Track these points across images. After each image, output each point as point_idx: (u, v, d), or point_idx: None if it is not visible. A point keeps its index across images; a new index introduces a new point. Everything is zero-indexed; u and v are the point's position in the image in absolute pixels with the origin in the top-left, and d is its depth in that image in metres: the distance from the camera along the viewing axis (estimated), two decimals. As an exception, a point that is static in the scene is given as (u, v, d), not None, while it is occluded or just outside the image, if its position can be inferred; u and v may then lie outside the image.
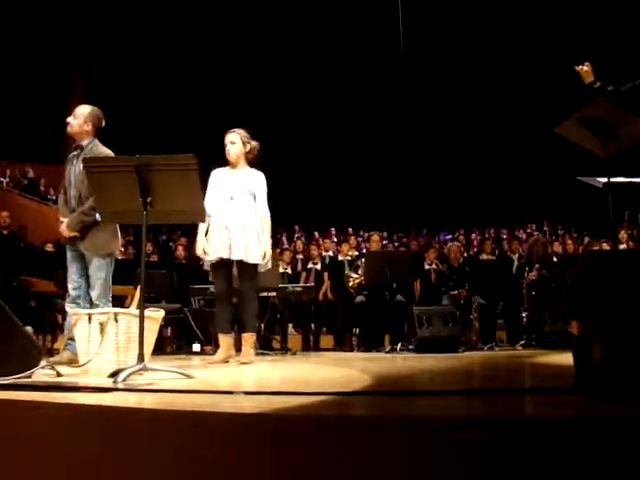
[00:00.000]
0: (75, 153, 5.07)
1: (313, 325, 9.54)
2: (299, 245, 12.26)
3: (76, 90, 18.13)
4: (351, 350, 8.35)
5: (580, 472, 1.62)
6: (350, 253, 10.35)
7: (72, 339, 4.54)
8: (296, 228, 17.46)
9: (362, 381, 3.47)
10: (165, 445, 1.95)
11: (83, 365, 3.98)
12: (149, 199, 3.59)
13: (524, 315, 8.43)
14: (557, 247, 11.97)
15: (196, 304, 8.75)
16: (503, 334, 9.09)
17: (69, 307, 4.91)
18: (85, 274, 4.97)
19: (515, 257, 10.55)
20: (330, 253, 10.84)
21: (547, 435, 1.69)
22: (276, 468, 1.82)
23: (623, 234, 9.59)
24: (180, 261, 9.84)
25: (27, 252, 8.53)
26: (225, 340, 5.42)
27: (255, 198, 5.46)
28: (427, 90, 18.75)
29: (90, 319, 4.04)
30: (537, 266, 8.44)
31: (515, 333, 8.48)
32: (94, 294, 4.86)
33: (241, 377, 4.15)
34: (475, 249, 13.49)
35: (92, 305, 4.80)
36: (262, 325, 8.05)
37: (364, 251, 10.75)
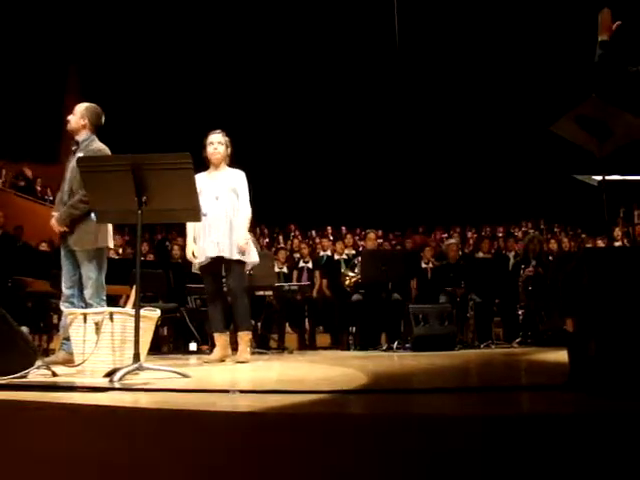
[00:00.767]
0: (73, 149, 5.14)
1: (309, 324, 9.54)
2: (296, 244, 12.26)
3: (71, 89, 18.11)
4: (348, 349, 8.35)
5: (575, 468, 1.63)
6: (347, 252, 10.35)
7: (67, 339, 4.54)
8: (292, 227, 17.45)
9: (359, 379, 3.47)
10: (161, 444, 1.95)
11: (79, 365, 3.97)
12: (144, 198, 3.59)
13: (520, 313, 8.44)
14: (553, 245, 11.98)
15: (192, 303, 8.75)
16: (499, 331, 9.09)
17: (64, 307, 4.91)
18: (78, 273, 4.98)
19: (511, 255, 10.57)
20: (328, 252, 10.83)
21: (543, 432, 1.69)
22: (272, 466, 1.82)
23: (618, 232, 9.62)
24: (176, 261, 9.83)
25: (23, 252, 8.52)
26: (221, 339, 5.44)
27: (238, 197, 5.51)
28: (423, 89, 18.72)
29: (85, 319, 4.04)
30: (533, 262, 8.45)
31: (511, 331, 8.48)
32: (87, 294, 4.86)
33: (237, 376, 4.15)
34: (471, 247, 13.48)
35: (87, 305, 4.80)
36: (259, 324, 8.06)
37: (360, 249, 10.75)
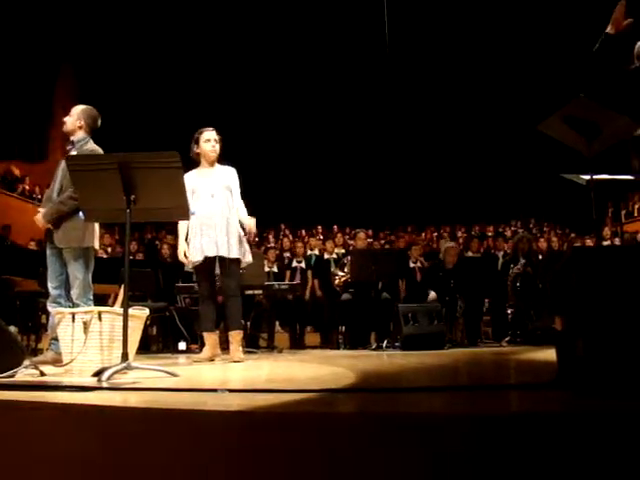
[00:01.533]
0: (68, 148, 5.18)
1: (299, 323, 9.54)
2: (286, 243, 12.24)
3: (61, 88, 18.03)
4: (337, 348, 8.36)
5: (563, 466, 1.63)
6: (336, 251, 10.36)
7: (56, 339, 4.52)
8: (282, 226, 17.44)
9: (348, 378, 3.47)
10: (150, 443, 1.94)
11: (67, 364, 3.95)
12: (132, 197, 3.59)
13: (509, 312, 8.47)
14: (542, 244, 12.03)
15: (182, 302, 8.74)
16: (489, 330, 9.12)
17: (51, 307, 4.89)
18: (65, 273, 4.97)
19: (500, 254, 10.60)
20: (316, 251, 10.82)
21: (530, 430, 1.70)
22: (261, 466, 1.82)
23: (607, 231, 9.67)
24: (165, 260, 9.81)
25: (11, 251, 8.48)
26: (211, 338, 5.43)
27: (232, 194, 5.50)
28: (413, 88, 18.77)
29: (74, 318, 4.03)
30: (523, 261, 8.47)
31: (500, 329, 8.51)
32: (74, 293, 4.85)
33: (226, 375, 4.14)
34: (461, 247, 13.50)
35: (74, 305, 4.78)
36: (248, 323, 8.05)
37: (350, 249, 10.75)
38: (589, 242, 11.97)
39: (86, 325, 3.96)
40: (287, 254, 11.32)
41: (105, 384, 3.13)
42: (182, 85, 18.68)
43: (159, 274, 8.86)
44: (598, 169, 4.61)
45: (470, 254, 10.99)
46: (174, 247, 10.53)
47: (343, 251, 10.35)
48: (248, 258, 5.56)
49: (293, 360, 5.99)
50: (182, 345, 8.22)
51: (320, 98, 19.19)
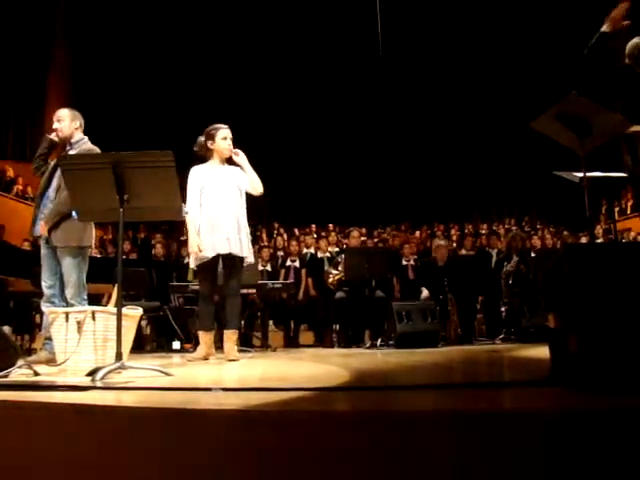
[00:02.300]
0: (67, 149, 5.18)
1: (293, 322, 9.55)
2: (279, 242, 12.24)
3: (52, 88, 17.95)
4: (331, 346, 8.37)
5: (556, 463, 1.64)
6: (330, 249, 10.36)
7: (49, 338, 4.52)
8: (275, 225, 17.43)
9: (342, 377, 3.47)
10: (144, 443, 1.94)
11: (61, 364, 3.95)
12: (126, 196, 3.58)
13: (503, 309, 8.49)
14: (536, 241, 12.06)
15: (176, 302, 8.73)
16: (483, 328, 9.14)
17: (45, 306, 4.89)
18: (59, 273, 4.96)
19: (494, 252, 10.62)
20: (311, 250, 10.82)
21: (524, 427, 1.70)
22: (255, 464, 1.82)
23: (599, 229, 9.68)
24: (159, 259, 9.80)
25: (4, 251, 8.45)
26: (207, 337, 5.41)
27: (241, 193, 5.49)
28: (406, 85, 18.77)
29: (67, 318, 4.02)
30: (516, 259, 8.50)
31: (494, 327, 8.53)
32: (68, 293, 4.85)
33: (220, 374, 4.14)
34: (454, 245, 13.53)
35: (68, 304, 4.78)
36: (242, 322, 8.05)
37: (344, 247, 10.76)
38: (583, 239, 12.01)
39: (80, 325, 3.96)
40: (281, 253, 11.32)
41: (99, 383, 3.13)
42: (179, 83, 18.62)
43: (153, 273, 8.85)
44: (591, 167, 4.62)
45: (464, 252, 11.02)
46: (167, 246, 10.55)
47: (337, 250, 10.35)
48: (251, 258, 5.56)
49: (287, 359, 5.98)
50: (176, 344, 8.22)
51: (314, 98, 19.17)
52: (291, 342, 9.33)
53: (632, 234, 12.34)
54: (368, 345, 7.75)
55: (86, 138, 5.17)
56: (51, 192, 5.07)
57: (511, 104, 17.24)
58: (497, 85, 18.46)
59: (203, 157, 5.57)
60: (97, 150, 5.01)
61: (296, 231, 16.20)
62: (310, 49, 19.07)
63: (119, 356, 3.48)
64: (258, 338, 8.80)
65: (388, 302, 7.90)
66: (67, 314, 4.06)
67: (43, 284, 5.01)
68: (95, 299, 6.20)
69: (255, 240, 14.35)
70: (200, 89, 18.53)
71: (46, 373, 3.90)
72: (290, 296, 9.27)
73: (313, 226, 16.52)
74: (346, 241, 11.24)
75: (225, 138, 5.47)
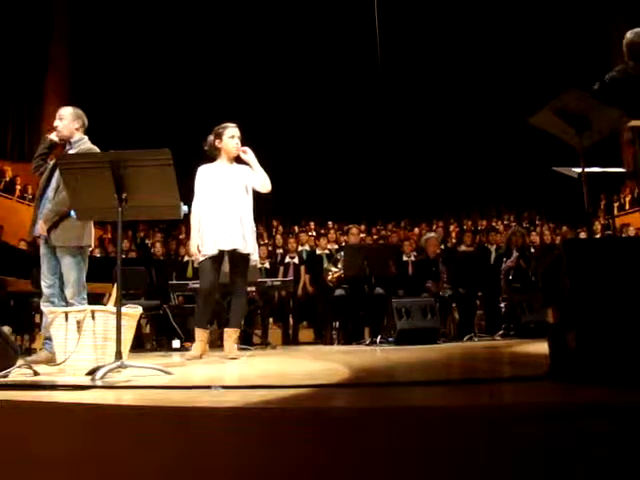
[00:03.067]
0: (66, 148, 5.19)
1: (292, 319, 9.55)
2: (278, 239, 12.24)
3: (50, 87, 17.92)
4: (331, 343, 8.36)
5: (555, 457, 1.64)
6: (329, 247, 10.37)
7: (49, 338, 4.53)
8: (274, 223, 17.42)
9: (342, 374, 3.47)
10: (144, 441, 1.94)
11: (60, 364, 3.95)
12: (124, 195, 3.58)
13: (502, 305, 8.49)
14: (535, 237, 12.06)
15: (175, 300, 8.74)
16: (482, 324, 9.15)
17: (44, 306, 4.89)
18: (58, 272, 4.96)
19: (493, 248, 10.63)
20: (307, 247, 10.81)
21: (522, 421, 1.71)
22: (255, 461, 1.82)
23: (597, 224, 9.68)
24: (158, 258, 9.80)
25: (3, 251, 8.45)
26: (204, 335, 5.40)
27: (248, 192, 5.49)
28: (405, 82, 18.75)
29: (67, 317, 4.03)
30: (516, 254, 8.50)
31: (494, 323, 8.54)
32: (68, 293, 4.85)
33: (220, 372, 4.14)
34: (454, 241, 13.54)
35: (67, 304, 4.78)
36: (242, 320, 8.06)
37: (343, 244, 10.76)
38: (582, 235, 12.02)
39: (79, 324, 3.96)
40: (279, 250, 11.33)
41: (99, 383, 3.13)
42: (179, 81, 18.58)
43: (152, 272, 8.85)
44: (590, 162, 4.62)
45: (463, 248, 11.02)
46: (166, 245, 10.55)
47: (336, 247, 10.36)
48: (256, 256, 5.55)
49: (286, 356, 5.98)
50: (176, 343, 8.22)
51: (312, 94, 19.14)
52: (291, 340, 9.34)
53: (631, 229, 12.33)
54: (368, 342, 7.74)
55: (86, 138, 5.15)
56: (50, 192, 5.07)
57: (509, 100, 17.22)
58: (495, 81, 18.45)
59: (213, 156, 5.58)
60: (96, 150, 5.00)
61: (296, 229, 16.20)
62: (308, 46, 19.04)
63: (119, 355, 3.48)
64: (258, 336, 8.80)
65: (387, 299, 7.90)
66: (66, 314, 4.06)
67: (42, 284, 5.01)
68: (96, 298, 6.20)
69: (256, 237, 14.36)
70: (200, 87, 18.49)
71: (46, 373, 3.90)
72: (289, 293, 9.27)
73: (312, 223, 16.51)
74: (345, 238, 11.24)
75: (233, 137, 5.47)
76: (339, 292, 8.30)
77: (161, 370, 3.57)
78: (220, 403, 2.16)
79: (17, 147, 17.41)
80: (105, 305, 4.83)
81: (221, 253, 5.31)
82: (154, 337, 8.91)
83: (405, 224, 16.57)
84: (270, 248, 10.89)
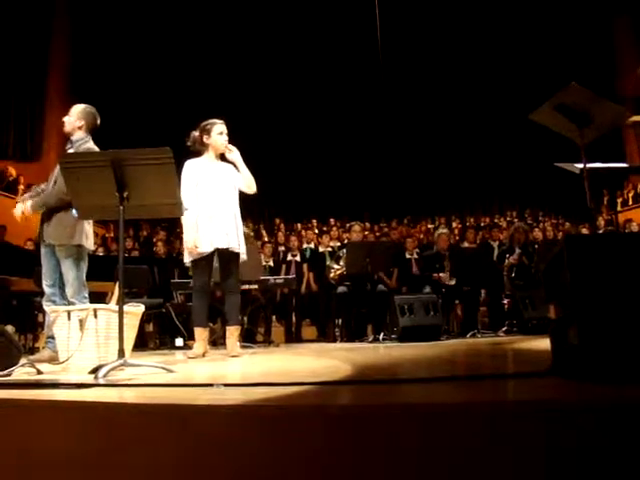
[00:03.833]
0: (67, 148, 5.17)
1: (295, 317, 9.55)
2: (280, 237, 12.25)
3: (53, 87, 17.93)
4: (334, 341, 8.36)
5: (557, 453, 1.64)
6: (331, 244, 10.36)
7: (52, 337, 4.53)
8: (276, 221, 17.42)
9: (345, 371, 3.47)
10: (147, 439, 1.95)
11: (63, 362, 3.96)
12: (125, 194, 3.58)
13: (505, 302, 8.48)
14: (537, 233, 12.05)
15: (178, 299, 8.74)
16: (485, 321, 9.14)
17: (46, 305, 4.89)
18: (59, 271, 4.96)
19: (495, 244, 10.62)
20: (312, 245, 10.81)
21: (524, 417, 1.71)
22: (257, 459, 1.82)
23: (600, 220, 9.66)
24: (160, 256, 9.81)
25: (7, 251, 8.45)
26: (205, 333, 5.41)
27: (235, 190, 5.49)
28: (406, 79, 18.72)
29: (69, 316, 4.03)
30: (518, 251, 8.49)
31: (497, 320, 8.52)
32: (69, 292, 4.85)
33: (223, 370, 4.14)
34: (457, 237, 13.53)
35: (69, 303, 4.78)
36: (245, 318, 8.05)
37: (345, 242, 10.76)
38: (584, 231, 11.99)
39: (82, 323, 3.96)
40: (282, 248, 11.32)
41: (102, 381, 3.13)
42: (178, 78, 18.57)
43: (154, 271, 8.85)
44: (592, 157, 4.61)
45: (466, 244, 11.01)
46: (168, 243, 10.55)
47: (338, 244, 10.36)
48: (245, 256, 5.55)
49: (289, 354, 5.99)
50: (179, 341, 8.22)
51: (314, 92, 19.11)
52: (293, 337, 9.34)
53: (634, 225, 12.30)
54: (371, 339, 7.75)
55: (88, 137, 5.11)
56: (50, 189, 5.08)
57: (511, 96, 17.19)
58: (497, 77, 18.41)
59: (196, 152, 5.56)
60: (96, 149, 4.99)
61: (298, 226, 16.20)
62: (309, 41, 19.00)
63: (121, 353, 3.48)
64: (261, 334, 8.81)
65: (390, 296, 7.89)
66: (69, 312, 4.06)
67: (43, 283, 5.02)
68: (98, 297, 6.20)
69: (257, 236, 14.39)
70: (199, 83, 18.47)
71: (49, 371, 3.91)
72: (292, 291, 9.27)
73: (314, 221, 16.51)
74: (347, 235, 11.24)
75: (221, 133, 5.47)
76: (342, 289, 8.30)
77: (163, 368, 3.58)
78: (222, 401, 2.16)
79: (19, 147, 17.41)
80: (107, 303, 4.83)
81: (215, 251, 5.32)
82: (157, 335, 8.91)
83: (408, 221, 16.57)
84: (273, 246, 10.89)
